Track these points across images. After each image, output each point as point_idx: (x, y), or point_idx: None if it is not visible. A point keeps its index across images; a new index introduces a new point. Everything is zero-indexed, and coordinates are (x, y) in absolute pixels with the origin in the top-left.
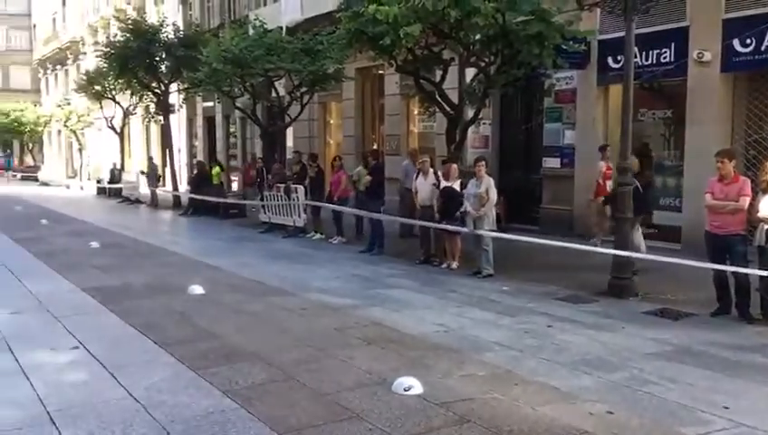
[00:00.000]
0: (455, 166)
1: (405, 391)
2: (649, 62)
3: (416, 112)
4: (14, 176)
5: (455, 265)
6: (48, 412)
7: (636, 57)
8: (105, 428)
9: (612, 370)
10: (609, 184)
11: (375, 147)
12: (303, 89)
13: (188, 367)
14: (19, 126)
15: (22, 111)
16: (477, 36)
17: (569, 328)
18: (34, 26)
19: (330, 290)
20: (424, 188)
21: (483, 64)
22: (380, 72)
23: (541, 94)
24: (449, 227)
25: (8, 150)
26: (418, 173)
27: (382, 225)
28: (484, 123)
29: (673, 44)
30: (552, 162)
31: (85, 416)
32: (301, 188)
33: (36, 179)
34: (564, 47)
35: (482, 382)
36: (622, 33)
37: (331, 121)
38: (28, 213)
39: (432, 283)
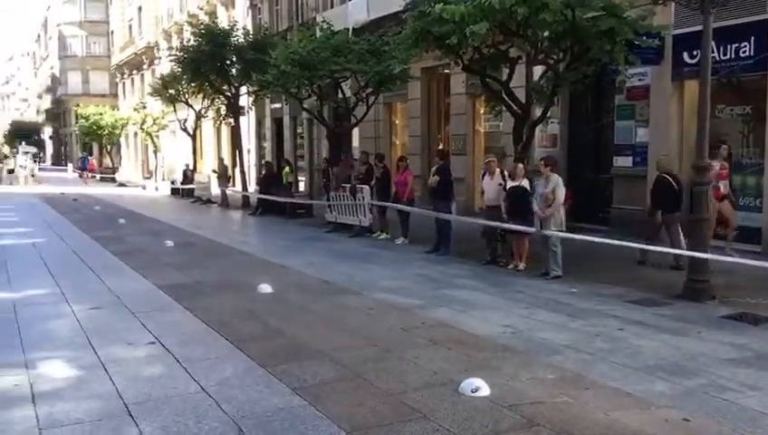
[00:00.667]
0: (520, 165)
1: (472, 392)
2: (727, 56)
3: (482, 111)
4: (93, 177)
5: (522, 266)
6: (126, 405)
7: (713, 52)
8: (179, 421)
9: (688, 375)
10: (725, 184)
11: (441, 147)
12: (369, 89)
13: (258, 364)
14: (98, 129)
15: (101, 114)
16: (546, 33)
17: (642, 332)
18: (112, 33)
19: (396, 290)
20: (490, 187)
21: (551, 62)
22: (446, 71)
23: (612, 91)
24: (516, 227)
25: (85, 152)
26: (484, 173)
27: (449, 225)
28: (552, 122)
29: (753, 38)
30: (623, 161)
31: (161, 409)
32: (366, 189)
33: (114, 180)
34: (637, 43)
35: (551, 385)
36: (698, 27)
37: (397, 122)
38: (106, 213)
39: (499, 284)
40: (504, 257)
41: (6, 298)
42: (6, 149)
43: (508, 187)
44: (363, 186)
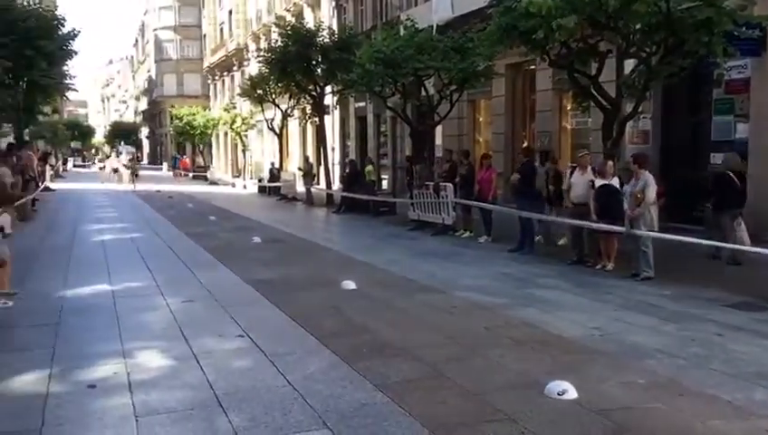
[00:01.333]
0: (610, 162)
1: (558, 395)
2: None
3: (569, 108)
4: (186, 175)
5: (610, 266)
6: (216, 396)
7: None
8: (267, 413)
9: None
10: None
11: (525, 144)
12: (453, 87)
13: (342, 359)
14: (191, 129)
15: (193, 115)
16: (638, 26)
17: (741, 337)
18: (204, 36)
19: (479, 288)
20: (579, 184)
21: (644, 55)
22: (532, 67)
23: (709, 85)
24: (604, 227)
25: (177, 152)
26: (574, 169)
27: (533, 223)
28: (644, 117)
29: None
30: (721, 158)
31: (249, 401)
32: (449, 187)
33: (206, 178)
34: (736, 33)
35: (642, 391)
36: None
37: (481, 119)
38: (198, 210)
39: (586, 284)
40: (592, 257)
41: (107, 290)
42: (107, 149)
43: (597, 185)
44: (446, 184)
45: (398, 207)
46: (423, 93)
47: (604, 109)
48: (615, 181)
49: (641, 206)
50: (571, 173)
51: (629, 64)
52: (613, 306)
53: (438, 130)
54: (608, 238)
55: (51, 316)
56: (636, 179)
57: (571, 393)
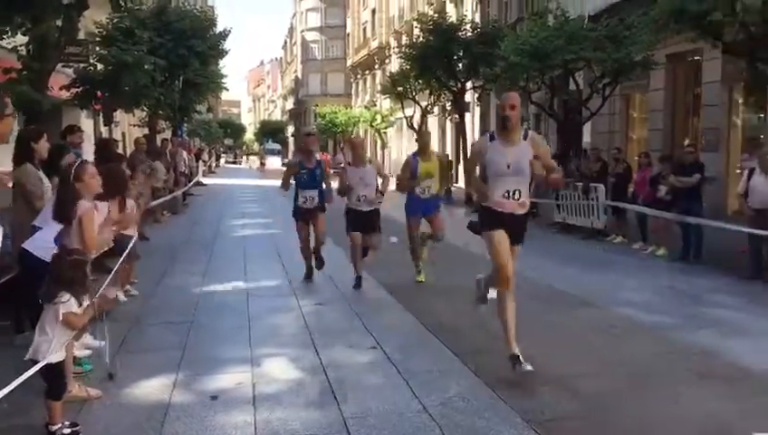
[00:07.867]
0: None
1: None
2: None
3: (740, 102)
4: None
5: None
6: (344, 419)
7: None
8: None
9: None
10: None
11: (687, 142)
12: (606, 80)
13: (485, 383)
14: (333, 127)
15: (335, 113)
16: None
17: None
18: (348, 36)
19: (639, 304)
20: (760, 189)
21: None
22: (696, 57)
23: None
24: None
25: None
26: (752, 172)
27: (701, 230)
28: None
29: None
30: None
31: (380, 428)
32: (601, 187)
33: None
34: None
35: None
36: None
37: (635, 115)
38: (337, 206)
39: None
40: None
41: (241, 288)
42: (256, 146)
43: None
44: (597, 184)
45: (540, 208)
46: (572, 87)
47: None
48: None
49: None
50: (749, 175)
51: None
52: None
53: (587, 127)
54: None
55: (186, 314)
56: None
57: None
